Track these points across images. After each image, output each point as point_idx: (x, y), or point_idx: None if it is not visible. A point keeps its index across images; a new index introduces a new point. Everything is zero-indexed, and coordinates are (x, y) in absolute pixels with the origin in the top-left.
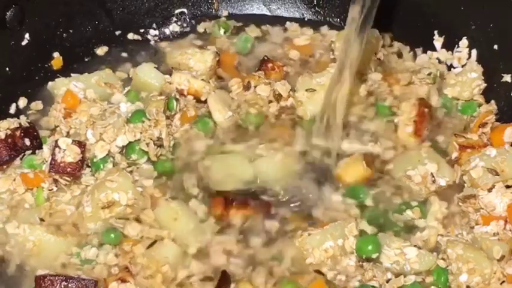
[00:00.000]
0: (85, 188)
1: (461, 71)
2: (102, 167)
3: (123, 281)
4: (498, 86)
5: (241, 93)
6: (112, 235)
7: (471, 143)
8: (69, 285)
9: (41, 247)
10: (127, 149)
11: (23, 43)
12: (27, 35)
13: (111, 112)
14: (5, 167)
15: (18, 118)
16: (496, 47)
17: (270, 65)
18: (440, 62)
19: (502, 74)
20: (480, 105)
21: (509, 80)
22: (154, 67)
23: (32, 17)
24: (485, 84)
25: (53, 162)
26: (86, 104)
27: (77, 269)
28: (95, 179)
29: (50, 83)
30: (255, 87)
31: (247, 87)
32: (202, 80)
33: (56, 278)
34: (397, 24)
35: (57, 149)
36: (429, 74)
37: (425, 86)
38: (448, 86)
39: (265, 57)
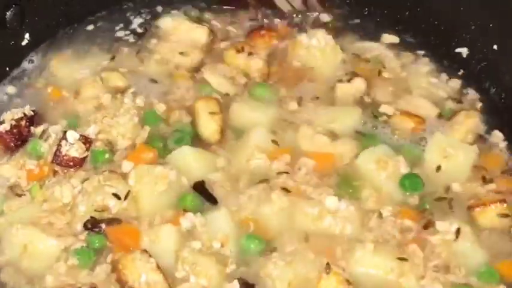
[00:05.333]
0: (81, 181)
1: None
2: (101, 159)
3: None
4: (498, 87)
5: (235, 57)
6: (96, 241)
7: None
8: None
9: (34, 247)
10: (151, 140)
11: (23, 43)
12: (27, 35)
13: (117, 103)
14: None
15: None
16: (496, 47)
17: (261, 31)
18: None
19: (502, 75)
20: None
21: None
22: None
23: (32, 17)
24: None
25: (58, 154)
26: (93, 92)
27: (74, 269)
28: (93, 175)
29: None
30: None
31: (241, 51)
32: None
33: None
34: (396, 24)
35: (63, 141)
36: None
37: None
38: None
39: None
